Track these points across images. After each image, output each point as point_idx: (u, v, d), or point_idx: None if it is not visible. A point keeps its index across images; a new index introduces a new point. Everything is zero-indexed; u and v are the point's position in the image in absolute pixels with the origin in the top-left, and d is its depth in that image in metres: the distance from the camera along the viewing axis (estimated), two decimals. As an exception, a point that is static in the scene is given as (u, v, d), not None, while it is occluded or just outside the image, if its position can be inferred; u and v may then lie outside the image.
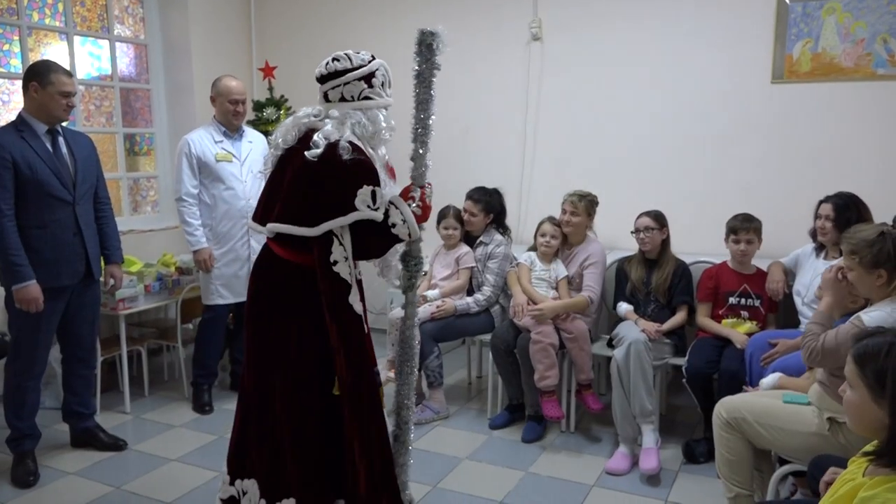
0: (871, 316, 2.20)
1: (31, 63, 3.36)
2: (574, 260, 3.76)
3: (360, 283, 2.40)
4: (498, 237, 4.01)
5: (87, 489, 3.06)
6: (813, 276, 3.21)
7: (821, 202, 3.26)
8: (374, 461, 2.36)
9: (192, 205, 3.85)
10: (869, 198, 3.22)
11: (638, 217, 3.62)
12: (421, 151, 2.36)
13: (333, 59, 2.41)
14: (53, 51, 4.59)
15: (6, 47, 4.32)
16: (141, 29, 5.14)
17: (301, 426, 2.36)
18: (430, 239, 4.49)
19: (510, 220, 4.23)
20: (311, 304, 2.31)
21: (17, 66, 4.35)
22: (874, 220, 3.11)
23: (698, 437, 3.37)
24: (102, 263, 3.43)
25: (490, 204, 4.02)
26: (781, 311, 3.48)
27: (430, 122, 2.34)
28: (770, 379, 2.69)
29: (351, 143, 2.26)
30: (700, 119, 4.29)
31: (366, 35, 5.29)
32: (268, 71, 4.96)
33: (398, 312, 3.93)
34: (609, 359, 3.44)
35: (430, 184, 2.40)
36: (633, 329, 3.37)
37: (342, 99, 2.38)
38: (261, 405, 2.41)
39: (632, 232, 3.63)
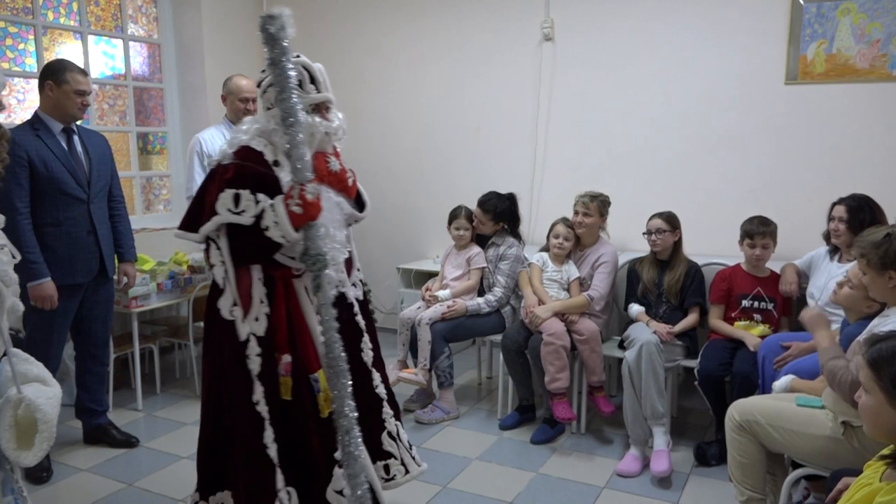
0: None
1: (46, 62, 3.38)
2: (586, 261, 3.75)
3: (294, 311, 2.34)
4: (510, 239, 4.00)
5: (100, 485, 3.09)
6: (827, 279, 3.18)
7: (834, 204, 3.23)
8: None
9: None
10: (883, 199, 3.19)
11: (650, 219, 3.61)
12: (293, 143, 2.14)
13: (262, 71, 2.39)
14: (68, 50, 4.62)
15: (21, 46, 4.35)
16: (154, 28, 5.17)
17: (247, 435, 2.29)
18: (442, 239, 4.51)
19: (522, 222, 4.22)
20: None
21: (32, 65, 4.38)
22: (888, 221, 3.08)
23: (710, 440, 3.35)
24: (116, 261, 3.46)
25: (500, 213, 3.99)
26: (795, 314, 3.45)
27: (296, 109, 2.11)
28: (783, 382, 2.66)
29: (245, 147, 2.29)
30: (713, 120, 4.28)
31: (376, 35, 5.31)
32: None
33: (408, 312, 3.95)
34: (620, 360, 3.42)
35: (313, 179, 2.20)
36: (645, 330, 3.36)
37: (267, 108, 2.39)
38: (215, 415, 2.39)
39: (643, 233, 3.61)
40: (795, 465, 2.51)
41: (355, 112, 5.44)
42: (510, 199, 4.04)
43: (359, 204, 2.63)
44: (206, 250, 2.32)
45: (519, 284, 3.89)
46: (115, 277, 3.48)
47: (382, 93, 5.35)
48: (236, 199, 2.21)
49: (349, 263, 2.58)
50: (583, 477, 3.18)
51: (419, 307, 3.99)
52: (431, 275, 4.43)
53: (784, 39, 4.04)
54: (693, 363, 3.36)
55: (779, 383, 2.67)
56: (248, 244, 2.24)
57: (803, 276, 3.41)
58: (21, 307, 1.47)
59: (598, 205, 3.69)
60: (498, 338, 3.87)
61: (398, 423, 2.69)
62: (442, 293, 3.96)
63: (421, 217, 5.27)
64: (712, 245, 4.02)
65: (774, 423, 2.39)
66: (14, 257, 1.45)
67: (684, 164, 4.37)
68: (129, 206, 4.38)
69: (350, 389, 2.17)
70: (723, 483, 3.01)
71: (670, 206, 3.67)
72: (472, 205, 4.07)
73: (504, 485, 3.11)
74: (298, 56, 2.36)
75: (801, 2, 3.97)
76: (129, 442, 3.48)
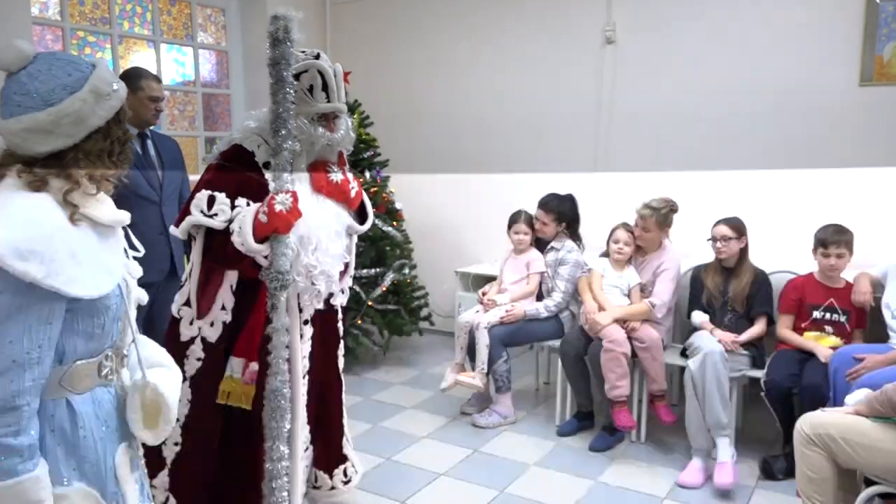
0: None
1: (122, 70, 3.52)
2: (647, 267, 3.68)
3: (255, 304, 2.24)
4: (569, 243, 3.97)
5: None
6: (905, 290, 3.05)
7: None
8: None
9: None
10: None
11: (715, 224, 3.52)
12: (280, 147, 2.03)
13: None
14: (141, 58, 4.81)
15: (99, 55, 4.55)
16: (222, 36, 5.33)
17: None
18: (501, 243, 4.50)
19: (581, 227, 4.18)
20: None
21: (108, 72, 4.57)
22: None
23: (777, 454, 3.25)
24: (186, 263, 3.57)
25: (562, 213, 3.98)
26: (869, 327, 3.32)
27: (288, 115, 2.02)
28: (856, 395, 2.56)
29: (236, 146, 2.23)
30: (783, 123, 4.15)
31: (437, 40, 5.34)
32: (343, 78, 5.05)
33: (466, 316, 3.96)
34: (682, 369, 3.35)
35: (289, 192, 2.05)
36: (709, 339, 3.28)
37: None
38: None
39: (708, 239, 3.53)
40: (869, 483, 2.40)
41: (416, 116, 5.50)
42: (570, 200, 4.02)
43: (362, 215, 2.52)
44: (188, 246, 2.29)
45: (578, 290, 3.85)
46: (185, 278, 3.59)
47: (442, 95, 5.38)
48: (210, 201, 2.13)
49: (344, 270, 2.46)
50: (643, 487, 3.12)
51: (477, 311, 3.99)
52: (489, 279, 4.43)
53: (859, 39, 3.89)
54: (759, 374, 3.27)
55: (852, 397, 2.56)
56: (220, 248, 2.15)
57: (878, 287, 3.27)
58: (146, 297, 1.55)
59: (657, 219, 3.59)
60: (556, 343, 3.84)
61: None
62: (500, 297, 3.95)
63: (480, 221, 5.27)
64: (781, 253, 3.89)
65: (847, 437, 2.30)
66: (138, 251, 1.52)
67: (752, 169, 4.25)
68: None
69: (286, 433, 2.07)
70: (790, 498, 2.92)
71: (737, 212, 3.58)
72: (532, 209, 4.06)
73: (562, 492, 3.08)
74: (318, 56, 2.22)
75: (878, 0, 3.82)
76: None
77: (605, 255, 3.78)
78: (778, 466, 3.15)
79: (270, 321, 2.11)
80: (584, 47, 4.75)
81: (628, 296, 3.65)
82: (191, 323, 2.25)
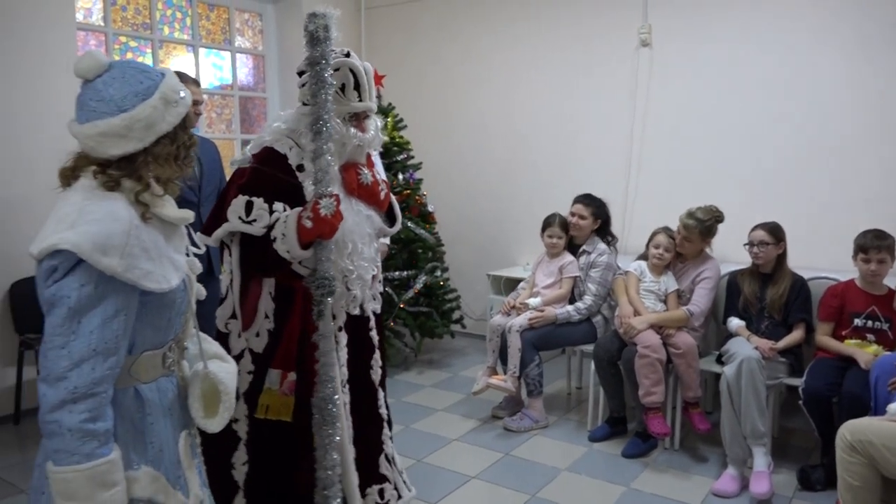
0: None
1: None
2: (686, 274, 3.64)
3: (291, 315, 2.20)
4: (601, 246, 3.95)
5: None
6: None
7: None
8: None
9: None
10: None
11: (752, 229, 3.46)
12: (320, 151, 1.98)
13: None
14: (181, 62, 4.91)
15: (140, 59, 4.64)
16: (259, 40, 5.41)
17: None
18: (533, 246, 4.49)
19: (615, 230, 4.15)
20: None
21: (149, 76, 4.67)
22: None
23: (815, 463, 3.18)
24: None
25: (600, 209, 3.97)
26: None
27: (328, 116, 1.97)
28: (898, 405, 2.51)
29: (268, 149, 2.15)
30: (822, 126, 4.07)
31: (470, 41, 5.35)
32: (376, 80, 5.08)
33: (498, 319, 3.96)
34: (718, 376, 3.31)
35: (332, 195, 2.00)
36: (746, 345, 3.23)
37: (303, 104, 2.19)
38: None
39: (745, 244, 3.47)
40: (913, 495, 2.35)
41: (448, 118, 5.51)
42: (604, 203, 4.02)
43: (390, 217, 2.47)
44: (221, 255, 2.22)
45: (614, 293, 3.82)
46: (222, 277, 3.64)
47: (475, 98, 5.39)
48: (248, 206, 2.07)
49: (374, 274, 2.40)
50: (677, 494, 3.08)
51: (510, 314, 3.98)
52: (521, 282, 4.41)
53: (902, 40, 3.80)
54: (797, 382, 3.20)
55: (893, 406, 2.51)
56: (258, 255, 2.10)
57: (922, 294, 3.19)
58: (204, 293, 1.63)
59: (701, 230, 3.53)
60: (588, 347, 3.82)
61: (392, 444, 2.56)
62: (533, 301, 3.94)
63: (512, 224, 5.27)
64: (820, 259, 3.82)
65: (891, 444, 2.26)
66: (199, 248, 1.61)
67: (791, 173, 4.18)
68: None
69: (337, 439, 2.01)
70: (829, 509, 2.85)
71: (775, 217, 3.51)
72: (565, 212, 4.04)
73: (594, 497, 3.06)
74: (349, 55, 2.18)
75: (923, 1, 3.73)
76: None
77: (643, 257, 3.74)
78: (816, 476, 3.08)
79: (306, 329, 2.09)
80: (619, 50, 4.72)
81: (664, 301, 3.61)
82: (238, 336, 2.20)
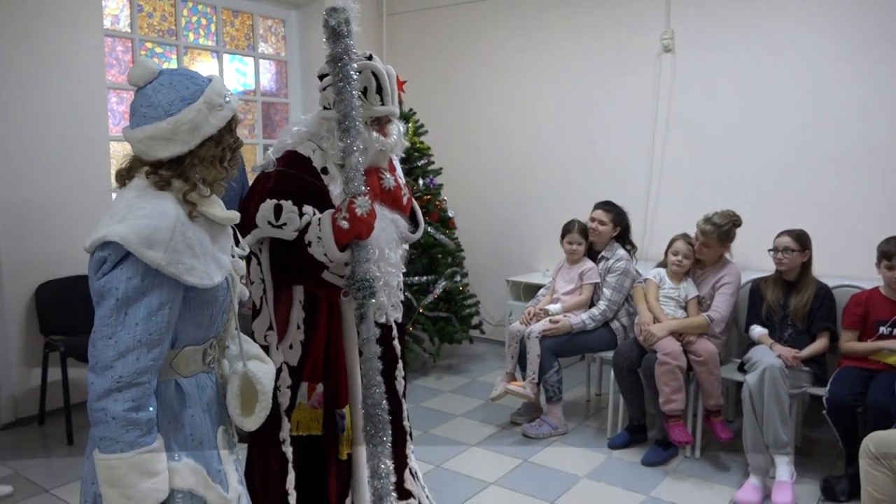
0: None
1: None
2: (706, 281, 3.61)
3: (334, 338, 2.14)
4: (620, 252, 3.93)
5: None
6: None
7: None
8: None
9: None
10: None
11: (778, 235, 3.43)
12: (349, 150, 1.93)
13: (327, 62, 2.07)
14: (205, 67, 4.97)
15: (165, 65, 4.70)
16: (282, 46, 5.47)
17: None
18: (552, 252, 4.48)
19: (636, 237, 4.13)
20: None
21: (174, 82, 4.74)
22: None
23: (839, 474, 3.13)
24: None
25: (620, 216, 3.96)
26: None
27: (354, 113, 1.92)
28: (925, 416, 2.47)
29: (291, 152, 2.09)
30: (846, 132, 4.02)
31: (489, 46, 5.36)
32: (398, 86, 5.10)
33: (517, 325, 3.95)
34: (740, 384, 3.27)
35: (366, 193, 1.96)
36: (769, 354, 3.19)
37: (324, 108, 2.15)
38: None
39: (769, 250, 3.44)
40: (940, 508, 2.30)
41: (469, 124, 5.52)
42: (624, 211, 4.00)
43: (413, 222, 2.41)
44: (248, 265, 2.11)
45: (633, 300, 3.80)
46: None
47: (495, 104, 5.40)
48: (277, 210, 2.00)
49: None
50: (698, 503, 3.05)
51: (529, 323, 3.96)
52: (540, 287, 4.40)
53: (930, 47, 3.75)
54: (821, 391, 3.16)
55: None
56: (291, 261, 2.04)
57: (951, 303, 3.13)
58: (247, 293, 1.68)
59: (719, 236, 3.51)
60: (608, 354, 3.80)
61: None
62: (553, 307, 3.93)
63: (532, 230, 5.26)
64: (844, 266, 3.77)
65: (916, 459, 2.21)
66: (244, 249, 1.66)
67: (815, 179, 4.13)
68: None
69: (389, 448, 1.93)
70: (854, 521, 2.81)
71: (798, 224, 3.48)
72: (586, 219, 4.02)
73: (614, 505, 3.04)
74: (371, 58, 2.12)
75: (952, 6, 3.67)
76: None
77: (663, 264, 3.72)
78: (840, 488, 3.03)
79: (331, 339, 2.08)
80: (641, 56, 4.70)
81: (685, 308, 3.58)
82: (277, 348, 2.12)
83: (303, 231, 2.01)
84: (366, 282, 1.95)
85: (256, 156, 5.27)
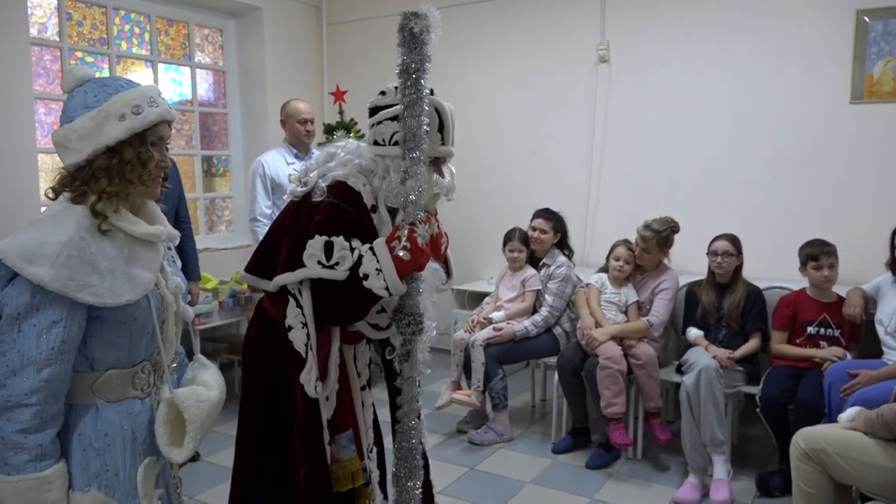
0: None
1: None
2: (646, 286, 3.70)
3: (343, 355, 2.00)
4: (561, 258, 4.00)
5: (162, 498, 3.17)
6: (896, 306, 3.07)
7: (894, 231, 3.12)
8: None
9: (265, 225, 3.97)
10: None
11: (715, 239, 3.54)
12: (410, 173, 1.79)
13: (381, 93, 1.97)
14: (139, 77, 4.84)
15: (98, 74, 4.57)
16: (220, 56, 5.37)
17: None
18: (496, 260, 4.51)
19: (576, 243, 4.20)
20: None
21: (106, 92, 4.60)
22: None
23: (773, 470, 3.24)
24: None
25: (559, 223, 4.02)
26: (863, 341, 3.33)
27: (423, 130, 1.79)
28: (850, 413, 2.55)
29: (342, 183, 1.88)
30: (774, 140, 4.19)
31: (432, 59, 5.37)
32: (338, 95, 5.09)
33: (461, 334, 3.96)
34: (678, 385, 3.36)
35: (427, 220, 1.85)
36: (704, 355, 3.29)
37: (375, 143, 1.94)
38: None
39: (708, 253, 3.54)
40: (864, 498, 2.41)
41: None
42: (561, 217, 4.07)
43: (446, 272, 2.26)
44: (278, 303, 1.89)
45: (576, 305, 3.86)
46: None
47: (438, 116, 5.41)
48: (328, 248, 1.79)
49: None
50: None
51: (473, 331, 3.98)
52: (485, 296, 4.43)
53: (849, 57, 3.94)
54: (754, 390, 3.27)
55: (845, 415, 2.56)
56: (339, 301, 1.83)
57: (871, 302, 3.28)
58: (191, 314, 1.60)
59: (658, 241, 3.60)
60: (552, 360, 3.84)
61: None
62: (496, 315, 3.96)
63: (475, 239, 5.28)
64: (772, 269, 3.91)
65: (843, 452, 2.31)
66: (178, 265, 1.60)
67: (744, 186, 4.29)
68: (194, 226, 4.53)
69: (419, 494, 1.86)
70: (787, 515, 2.91)
71: (729, 229, 3.60)
72: (526, 226, 4.07)
73: (558, 510, 3.07)
74: (432, 92, 1.94)
75: (867, 19, 3.87)
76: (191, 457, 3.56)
77: (604, 269, 3.79)
78: (774, 483, 3.14)
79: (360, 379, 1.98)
80: (577, 66, 4.80)
81: (625, 312, 3.66)
82: (327, 399, 1.91)
83: (354, 266, 1.81)
84: (417, 316, 1.83)
85: (195, 167, 5.15)
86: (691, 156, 4.45)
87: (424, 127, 1.78)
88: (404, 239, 1.77)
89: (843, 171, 4.02)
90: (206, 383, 1.56)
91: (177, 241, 1.51)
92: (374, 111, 1.97)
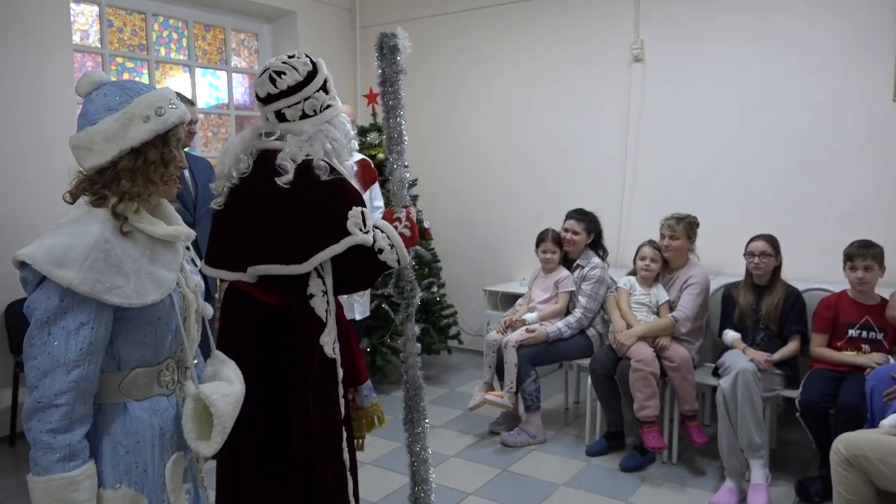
0: None
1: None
2: (675, 284, 3.65)
3: (340, 322, 2.14)
4: (595, 260, 3.96)
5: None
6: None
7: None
8: None
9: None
10: None
11: (752, 240, 3.47)
12: (396, 165, 2.14)
13: (279, 74, 2.04)
14: (177, 82, 4.94)
15: (136, 79, 4.68)
16: (255, 60, 5.45)
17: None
18: (529, 261, 4.50)
19: (609, 244, 4.17)
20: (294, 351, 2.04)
21: (145, 96, 4.70)
22: None
23: (813, 475, 3.17)
24: (218, 282, 3.63)
25: (592, 223, 3.99)
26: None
27: (402, 128, 2.15)
28: (893, 418, 2.50)
29: (325, 161, 2.01)
30: (813, 140, 4.10)
31: (465, 61, 5.39)
32: (371, 97, 5.12)
33: (494, 335, 3.96)
34: (714, 388, 3.31)
35: (412, 204, 2.15)
36: (741, 358, 3.23)
37: (304, 115, 2.06)
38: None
39: (745, 254, 3.48)
40: (909, 506, 2.34)
41: (444, 134, 5.54)
42: (595, 217, 4.05)
43: None
44: (274, 287, 2.02)
45: (606, 308, 3.83)
46: (217, 296, 3.65)
47: (470, 115, 5.42)
48: (363, 217, 2.00)
49: None
50: (675, 508, 3.07)
51: (506, 332, 3.97)
52: (518, 297, 4.42)
53: (892, 54, 3.83)
54: (794, 394, 3.20)
55: (888, 420, 2.50)
56: (357, 270, 2.05)
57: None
58: (210, 311, 1.63)
59: (684, 227, 3.59)
60: (585, 362, 3.82)
61: None
62: (529, 316, 3.94)
63: (508, 239, 5.28)
64: (811, 271, 3.83)
65: (885, 459, 2.25)
66: (196, 265, 1.61)
67: (782, 186, 4.20)
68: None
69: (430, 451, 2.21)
70: (827, 522, 2.84)
71: (767, 229, 3.53)
72: (558, 227, 4.05)
73: (592, 513, 3.05)
74: (310, 58, 2.18)
75: (911, 14, 3.77)
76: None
77: (633, 272, 3.75)
78: (814, 489, 3.07)
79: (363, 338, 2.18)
80: (611, 66, 4.76)
81: (657, 313, 3.62)
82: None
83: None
84: (411, 283, 2.16)
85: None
86: (727, 156, 4.38)
87: (403, 125, 2.15)
88: (404, 219, 2.10)
89: (885, 170, 3.91)
90: (228, 378, 1.58)
91: (183, 239, 1.51)
92: (284, 93, 2.04)
